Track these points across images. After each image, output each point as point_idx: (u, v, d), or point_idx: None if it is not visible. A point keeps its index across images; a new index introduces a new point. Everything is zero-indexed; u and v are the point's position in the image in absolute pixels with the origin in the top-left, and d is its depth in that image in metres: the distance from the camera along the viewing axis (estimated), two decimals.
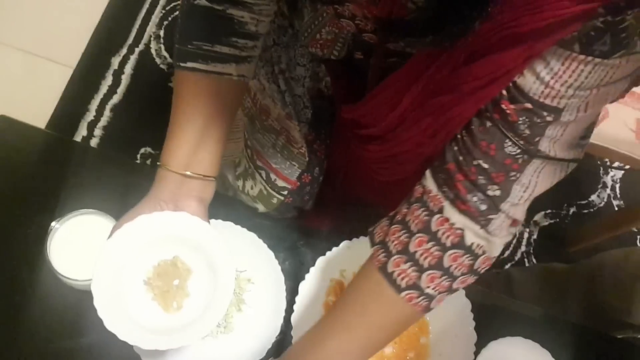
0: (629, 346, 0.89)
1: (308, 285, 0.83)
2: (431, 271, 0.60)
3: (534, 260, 1.59)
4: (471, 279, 0.62)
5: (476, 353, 0.82)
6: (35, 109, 1.62)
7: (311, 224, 0.95)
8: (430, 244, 0.60)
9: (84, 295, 0.67)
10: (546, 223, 1.63)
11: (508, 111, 0.54)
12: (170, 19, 1.79)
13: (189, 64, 0.67)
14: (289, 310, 0.82)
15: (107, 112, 1.66)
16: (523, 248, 1.60)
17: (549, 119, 0.53)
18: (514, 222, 0.61)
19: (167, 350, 0.77)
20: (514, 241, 1.60)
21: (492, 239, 0.60)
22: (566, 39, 0.49)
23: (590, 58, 0.49)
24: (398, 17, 0.57)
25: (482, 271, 0.62)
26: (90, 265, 0.67)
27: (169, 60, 1.73)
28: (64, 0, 1.79)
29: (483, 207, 0.58)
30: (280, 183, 0.89)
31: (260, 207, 0.92)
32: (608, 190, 1.69)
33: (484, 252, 0.60)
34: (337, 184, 0.94)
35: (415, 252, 0.60)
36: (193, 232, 0.69)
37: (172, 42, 0.70)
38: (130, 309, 0.68)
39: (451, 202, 0.59)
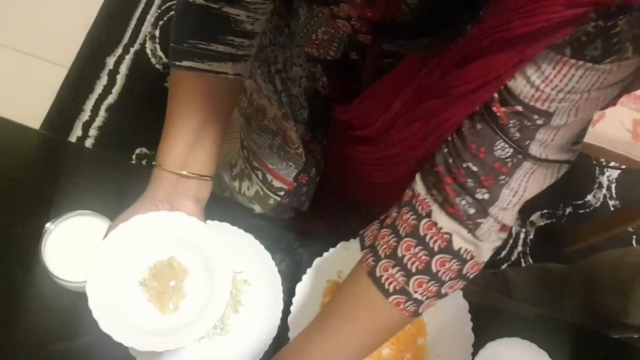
0: (626, 346, 0.89)
1: (305, 286, 0.83)
2: (419, 276, 0.60)
3: (530, 261, 1.59)
4: (460, 284, 0.62)
5: (474, 354, 0.82)
6: (30, 109, 1.61)
7: (308, 224, 0.95)
8: (418, 248, 0.59)
9: (80, 297, 0.67)
10: (542, 223, 1.63)
11: (499, 114, 0.54)
12: (165, 18, 1.78)
13: (185, 63, 0.67)
14: (286, 312, 0.82)
15: (102, 112, 1.65)
16: (519, 248, 1.60)
17: (539, 122, 0.53)
18: (504, 227, 0.60)
19: (164, 351, 0.76)
20: (511, 241, 1.60)
21: (480, 244, 0.59)
22: (558, 42, 0.48)
23: (581, 62, 0.49)
24: (391, 19, 0.57)
25: (471, 276, 0.62)
26: (85, 266, 0.66)
27: (165, 60, 1.73)
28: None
29: (471, 210, 0.58)
30: (276, 184, 0.89)
31: (257, 208, 0.92)
32: (604, 190, 1.69)
33: (472, 257, 0.60)
34: (334, 184, 0.94)
35: (404, 256, 0.60)
36: (189, 232, 0.69)
37: (168, 41, 0.69)
38: (125, 310, 0.68)
39: (440, 206, 0.59)
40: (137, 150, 1.61)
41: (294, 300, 0.82)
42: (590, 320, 1.14)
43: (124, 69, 1.71)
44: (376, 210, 0.72)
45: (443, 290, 0.61)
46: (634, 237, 1.66)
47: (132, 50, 1.73)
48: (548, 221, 1.63)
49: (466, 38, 0.52)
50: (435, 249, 0.59)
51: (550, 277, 1.33)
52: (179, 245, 0.70)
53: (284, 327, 0.81)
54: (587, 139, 1.15)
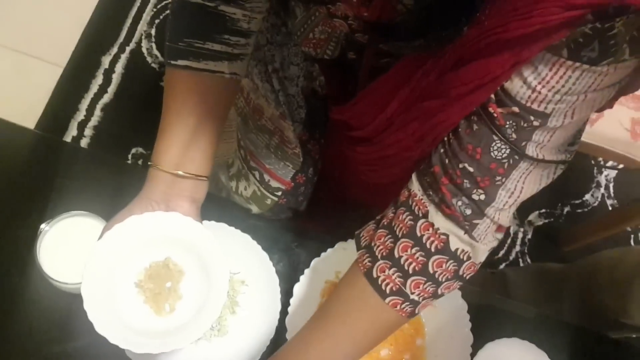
0: (625, 346, 0.89)
1: (303, 287, 0.83)
2: (416, 277, 0.60)
3: (529, 260, 1.59)
4: (456, 285, 0.62)
5: (472, 354, 0.82)
6: (25, 108, 1.61)
7: (305, 225, 0.94)
8: (415, 249, 0.60)
9: (75, 299, 0.66)
10: (540, 223, 1.63)
11: (495, 115, 0.54)
12: (161, 17, 1.78)
13: (180, 62, 0.66)
14: (284, 312, 0.81)
15: (97, 112, 1.65)
16: (517, 248, 1.60)
17: (535, 123, 0.53)
18: (500, 228, 0.61)
19: (160, 354, 0.76)
20: (509, 241, 1.60)
21: (476, 245, 0.59)
22: (555, 44, 0.49)
23: (578, 64, 0.49)
24: (387, 19, 0.57)
25: (467, 277, 0.62)
26: (81, 267, 0.66)
27: (161, 59, 1.72)
28: None
29: (468, 211, 0.58)
30: (274, 184, 0.88)
31: (254, 208, 0.91)
32: (602, 190, 1.69)
33: (468, 258, 0.60)
34: (332, 184, 0.94)
35: (400, 257, 0.60)
36: (185, 232, 0.68)
37: (164, 40, 0.69)
38: (121, 311, 0.67)
39: (436, 206, 0.59)
40: (133, 150, 1.60)
41: (292, 301, 0.82)
42: (588, 320, 1.14)
43: (119, 68, 1.70)
44: (374, 210, 0.72)
45: (439, 291, 0.62)
46: (632, 236, 1.66)
47: (127, 49, 1.72)
48: (546, 220, 1.63)
49: (463, 39, 0.52)
50: (432, 250, 0.59)
51: (548, 276, 1.33)
52: (174, 246, 0.69)
53: (281, 328, 0.81)
54: (586, 138, 1.16)
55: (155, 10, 1.78)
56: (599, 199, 1.68)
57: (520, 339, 0.83)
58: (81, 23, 1.74)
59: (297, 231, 0.88)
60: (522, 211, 1.61)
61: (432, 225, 0.59)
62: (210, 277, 0.68)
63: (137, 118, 1.63)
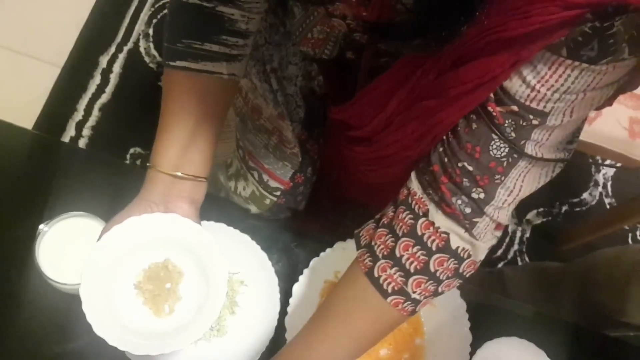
0: (623, 345, 0.89)
1: (302, 287, 0.83)
2: (418, 276, 0.60)
3: (527, 259, 1.59)
4: (456, 283, 0.62)
5: (471, 353, 0.82)
6: (22, 109, 1.60)
7: (304, 225, 0.95)
8: (416, 248, 0.60)
9: (74, 300, 0.66)
10: (538, 221, 1.63)
11: (494, 113, 0.54)
12: (159, 16, 1.77)
13: (179, 63, 0.66)
14: (283, 313, 0.81)
15: (95, 112, 1.64)
16: (516, 246, 1.60)
17: (534, 122, 0.53)
18: (499, 226, 0.61)
19: (159, 355, 0.76)
20: (507, 240, 1.60)
21: (476, 243, 0.60)
22: (554, 43, 0.49)
23: (577, 63, 0.49)
24: (386, 19, 0.57)
25: (468, 275, 0.62)
26: (79, 268, 0.66)
27: (159, 59, 1.72)
28: None
29: (467, 210, 0.58)
30: (272, 184, 0.88)
31: (253, 208, 0.91)
32: (600, 188, 1.69)
33: (469, 256, 0.60)
34: (330, 184, 0.94)
35: (402, 256, 0.60)
36: (184, 234, 0.68)
37: (162, 40, 0.69)
38: (120, 313, 0.67)
39: (436, 205, 0.59)
40: (131, 150, 1.60)
41: (291, 301, 0.82)
42: (587, 318, 1.15)
43: (117, 68, 1.70)
44: (373, 210, 0.72)
45: (440, 289, 0.62)
46: (630, 235, 1.66)
47: (125, 49, 1.72)
48: (544, 219, 1.63)
49: (462, 39, 0.52)
50: (434, 248, 0.59)
51: (546, 275, 1.34)
52: (173, 247, 0.69)
53: (280, 328, 0.81)
54: (584, 136, 1.16)
55: (152, 9, 1.78)
56: (597, 198, 1.68)
57: (519, 337, 0.83)
58: (79, 23, 1.73)
59: (296, 231, 0.88)
60: (520, 210, 1.61)
61: (433, 224, 0.59)
62: (209, 278, 0.68)
63: (135, 118, 1.62)
